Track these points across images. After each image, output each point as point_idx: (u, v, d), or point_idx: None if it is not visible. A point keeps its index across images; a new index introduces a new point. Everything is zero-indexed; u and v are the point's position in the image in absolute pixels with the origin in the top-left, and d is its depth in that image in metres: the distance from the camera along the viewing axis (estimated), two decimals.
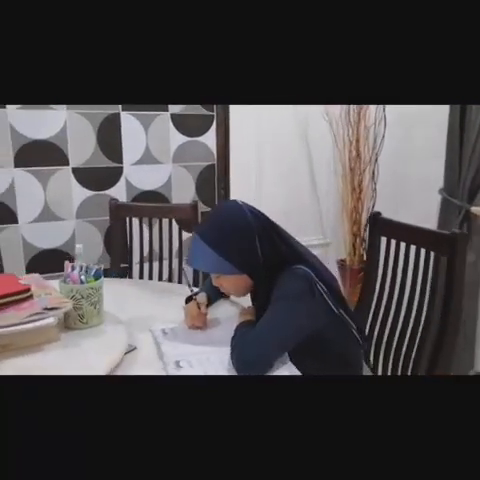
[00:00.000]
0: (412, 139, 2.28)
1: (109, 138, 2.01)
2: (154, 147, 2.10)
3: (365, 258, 1.76)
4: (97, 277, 1.12)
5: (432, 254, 1.31)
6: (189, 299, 1.24)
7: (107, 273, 1.87)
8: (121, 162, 2.05)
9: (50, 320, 0.97)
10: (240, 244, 1.05)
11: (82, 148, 1.97)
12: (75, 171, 1.98)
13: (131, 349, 1.05)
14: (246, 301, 1.27)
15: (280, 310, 1.02)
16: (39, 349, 0.98)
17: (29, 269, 1.96)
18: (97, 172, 2.01)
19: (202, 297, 1.24)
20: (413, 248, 1.37)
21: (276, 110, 2.26)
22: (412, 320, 1.36)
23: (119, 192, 2.07)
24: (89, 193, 2.02)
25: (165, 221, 1.78)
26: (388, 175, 2.31)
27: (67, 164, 1.96)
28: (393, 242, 1.45)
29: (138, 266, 1.83)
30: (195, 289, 1.31)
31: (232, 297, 1.30)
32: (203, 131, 2.18)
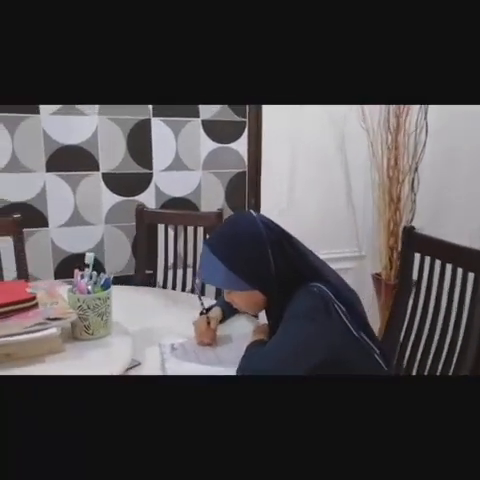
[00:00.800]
0: (456, 149, 2.13)
1: (139, 144, 2.00)
2: (184, 153, 2.07)
3: (398, 275, 1.65)
4: (106, 287, 1.09)
5: (471, 275, 1.20)
6: (202, 313, 1.19)
7: (130, 279, 1.88)
8: (151, 168, 2.04)
9: (52, 331, 0.95)
10: (252, 258, 0.99)
11: (112, 154, 1.98)
12: (105, 176, 1.98)
13: (134, 365, 1.01)
14: (265, 317, 1.20)
15: (290, 330, 0.95)
16: (41, 360, 0.96)
17: (58, 273, 1.98)
18: (127, 178, 2.01)
19: (215, 312, 1.19)
20: (449, 267, 1.27)
21: (310, 116, 2.18)
22: (447, 345, 1.26)
23: (148, 198, 2.06)
24: (118, 199, 2.02)
25: (190, 229, 1.75)
26: (429, 186, 2.18)
27: (97, 169, 1.97)
28: (427, 259, 1.34)
29: (162, 273, 1.80)
30: (211, 301, 1.26)
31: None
32: (234, 138, 2.13)
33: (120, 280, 2.05)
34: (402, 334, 1.38)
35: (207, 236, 1.72)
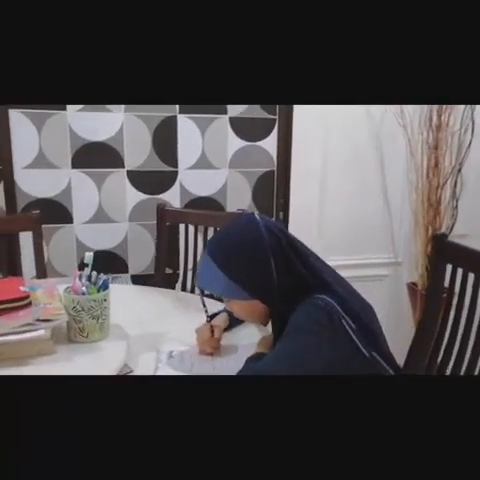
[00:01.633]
0: None
1: (165, 141, 1.97)
2: (210, 151, 2.02)
3: (426, 286, 1.52)
4: (105, 288, 1.05)
5: None
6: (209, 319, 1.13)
7: (148, 279, 1.84)
8: (176, 166, 2.00)
9: (40, 332, 0.92)
10: (252, 268, 0.91)
11: (138, 151, 1.95)
12: (130, 174, 1.96)
13: (126, 372, 0.96)
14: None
15: (287, 344, 0.86)
16: (29, 362, 0.93)
17: (81, 269, 1.98)
18: (151, 176, 1.98)
19: (220, 318, 1.12)
20: None
21: (344, 113, 2.06)
22: (478, 368, 1.13)
23: (173, 197, 2.02)
24: (143, 197, 2.00)
25: (211, 229, 1.69)
26: (473, 190, 2.00)
27: (122, 166, 1.95)
28: (460, 271, 1.21)
29: (182, 273, 1.75)
30: (221, 306, 1.19)
31: None
32: (263, 135, 2.05)
33: (142, 279, 2.04)
34: (430, 349, 1.26)
35: None
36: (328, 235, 2.17)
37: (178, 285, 1.78)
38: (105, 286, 1.06)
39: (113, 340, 1.05)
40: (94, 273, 1.07)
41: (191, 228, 1.72)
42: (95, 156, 1.91)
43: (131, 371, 0.97)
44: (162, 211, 1.76)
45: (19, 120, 1.82)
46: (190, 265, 1.72)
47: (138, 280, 2.04)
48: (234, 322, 1.16)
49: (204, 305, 1.09)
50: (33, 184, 1.88)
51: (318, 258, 0.97)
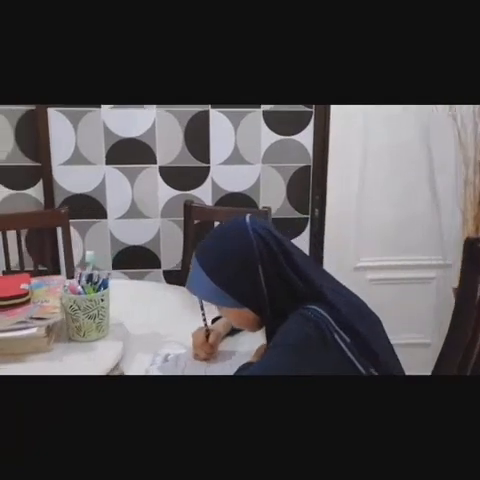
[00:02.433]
0: None
1: (197, 136, 1.94)
2: (243, 146, 1.97)
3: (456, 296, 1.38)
4: (104, 288, 1.05)
5: None
6: (212, 321, 1.09)
7: (175, 275, 1.84)
8: (208, 162, 1.97)
9: (33, 330, 0.93)
10: (239, 276, 0.86)
11: (170, 147, 1.95)
12: (162, 170, 1.96)
13: (116, 373, 0.95)
14: None
15: (274, 361, 0.80)
16: (23, 359, 0.94)
17: (115, 264, 2.02)
18: (183, 171, 1.97)
19: (220, 324, 1.08)
20: None
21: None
22: None
23: (204, 193, 2.00)
24: (175, 193, 1.99)
25: None
26: None
27: (155, 162, 1.96)
28: None
29: None
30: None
31: None
32: (299, 129, 1.97)
33: (174, 274, 2.05)
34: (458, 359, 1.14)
35: None
36: (367, 234, 2.05)
37: None
38: (105, 286, 1.05)
39: (110, 340, 1.04)
40: (95, 272, 1.07)
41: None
42: (128, 152, 1.93)
43: (122, 373, 0.96)
44: (189, 208, 1.75)
45: (57, 118, 1.88)
46: None
47: (170, 276, 2.05)
48: (236, 328, 1.12)
49: (202, 308, 1.05)
50: (70, 180, 1.93)
51: (312, 263, 0.90)
